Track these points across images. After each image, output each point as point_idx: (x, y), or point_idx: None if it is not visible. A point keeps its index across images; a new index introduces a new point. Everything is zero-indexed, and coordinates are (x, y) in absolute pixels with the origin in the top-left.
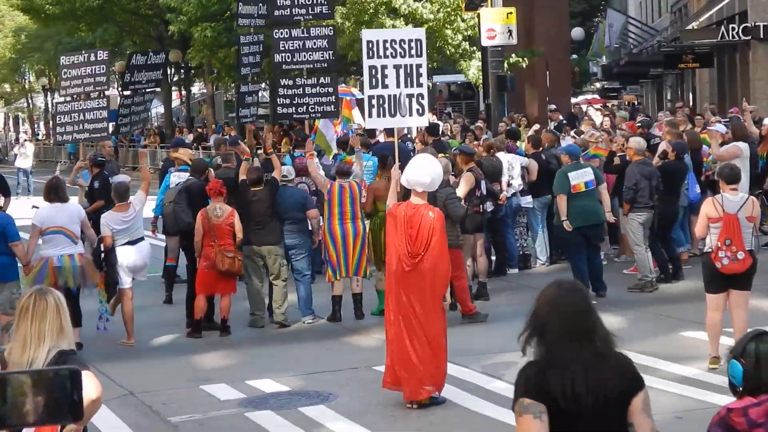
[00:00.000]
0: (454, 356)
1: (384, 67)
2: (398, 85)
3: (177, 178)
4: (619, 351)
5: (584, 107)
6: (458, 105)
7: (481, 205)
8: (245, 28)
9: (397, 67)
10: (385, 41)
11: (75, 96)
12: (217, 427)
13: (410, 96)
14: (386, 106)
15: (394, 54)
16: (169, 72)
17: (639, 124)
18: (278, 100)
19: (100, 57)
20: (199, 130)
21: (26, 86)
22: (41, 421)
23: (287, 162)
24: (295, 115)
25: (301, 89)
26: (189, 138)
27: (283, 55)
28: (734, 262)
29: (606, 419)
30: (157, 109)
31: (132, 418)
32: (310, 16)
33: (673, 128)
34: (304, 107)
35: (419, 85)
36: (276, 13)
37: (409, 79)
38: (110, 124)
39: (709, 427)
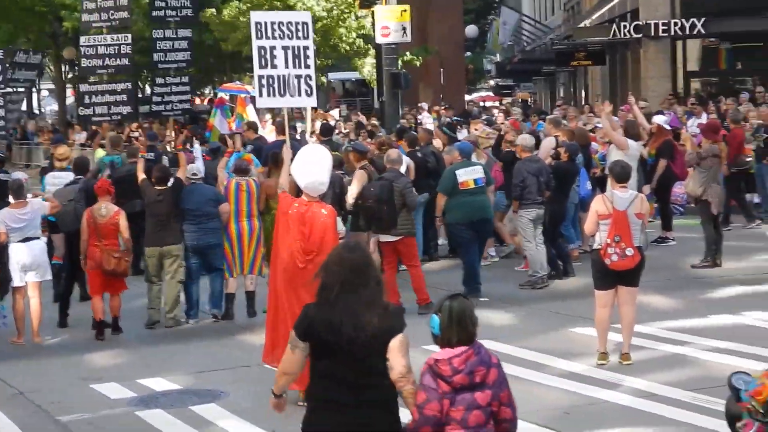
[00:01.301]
0: None
1: (273, 48)
2: (287, 66)
3: (53, 179)
4: (389, 302)
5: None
6: (353, 102)
7: None
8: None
9: (285, 48)
10: (272, 23)
11: None
12: (107, 426)
13: (299, 77)
14: (275, 86)
15: (282, 36)
16: (63, 69)
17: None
18: (153, 98)
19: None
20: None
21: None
22: None
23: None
24: (163, 113)
25: (168, 88)
26: (83, 135)
27: (158, 54)
28: (623, 258)
29: (366, 353)
30: (51, 106)
31: (21, 419)
32: (179, 18)
33: (555, 126)
34: (170, 105)
35: (307, 66)
36: (153, 13)
37: (297, 60)
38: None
39: (421, 375)
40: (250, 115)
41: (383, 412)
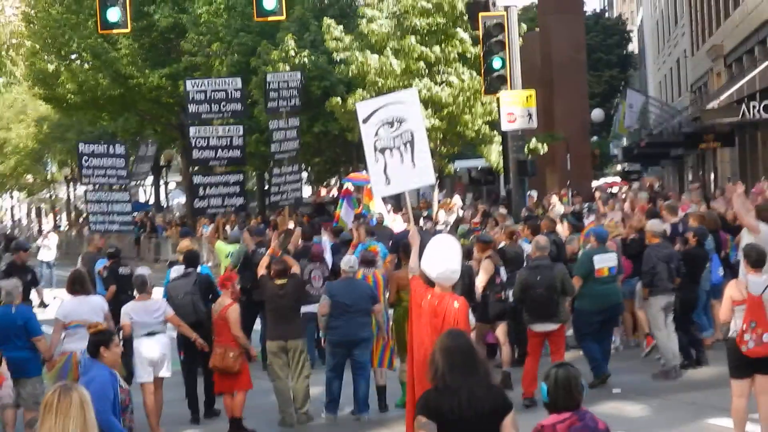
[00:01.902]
0: None
1: (380, 134)
2: (399, 150)
3: (176, 272)
4: (494, 383)
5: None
6: (479, 190)
7: (502, 292)
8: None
9: (394, 133)
10: (377, 109)
11: (98, 186)
12: None
13: (412, 158)
14: (389, 173)
15: (390, 121)
16: None
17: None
18: (272, 188)
19: (119, 151)
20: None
21: (48, 177)
22: None
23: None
24: (280, 202)
25: (283, 177)
26: (210, 227)
27: (274, 144)
28: (760, 345)
29: (482, 429)
30: (178, 199)
31: None
32: (288, 108)
33: (671, 212)
34: (285, 194)
35: (420, 145)
36: (268, 105)
37: (409, 143)
38: (133, 216)
39: None
40: (377, 206)
41: None
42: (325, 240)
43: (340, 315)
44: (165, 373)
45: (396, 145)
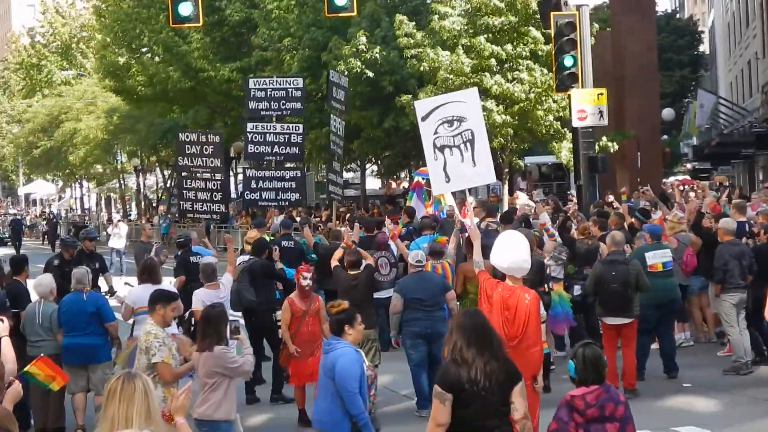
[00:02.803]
0: None
1: (439, 133)
2: (458, 148)
3: (240, 261)
4: (506, 355)
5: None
6: (549, 186)
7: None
8: (335, 109)
9: (452, 132)
10: (435, 108)
11: (193, 173)
12: None
13: (471, 156)
14: (449, 170)
15: (448, 121)
16: None
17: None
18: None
19: (212, 139)
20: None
21: (118, 167)
22: None
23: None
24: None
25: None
26: (280, 218)
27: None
28: None
29: (495, 398)
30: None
31: None
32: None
33: (739, 211)
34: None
35: (480, 143)
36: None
37: (469, 142)
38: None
39: (558, 409)
40: (448, 199)
41: None
42: (388, 228)
43: (416, 309)
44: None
45: (456, 144)
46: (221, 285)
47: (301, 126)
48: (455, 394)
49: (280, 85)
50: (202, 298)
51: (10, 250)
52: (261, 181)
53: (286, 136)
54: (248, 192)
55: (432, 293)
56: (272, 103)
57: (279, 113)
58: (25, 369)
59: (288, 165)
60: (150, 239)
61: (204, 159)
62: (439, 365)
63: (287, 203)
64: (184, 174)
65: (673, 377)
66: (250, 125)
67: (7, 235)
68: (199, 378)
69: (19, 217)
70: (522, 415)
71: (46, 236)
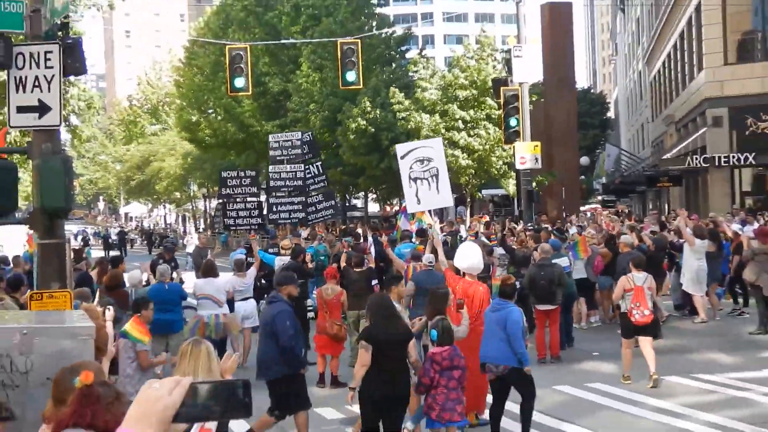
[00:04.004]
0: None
1: (414, 169)
2: (427, 180)
3: (280, 261)
4: (403, 322)
5: (588, 214)
6: (499, 212)
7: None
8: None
9: (424, 168)
10: (412, 149)
11: (234, 198)
12: None
13: (437, 186)
14: (419, 196)
15: (420, 160)
16: None
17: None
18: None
19: (249, 174)
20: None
21: (191, 194)
22: (222, 417)
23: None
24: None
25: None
26: (305, 232)
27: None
28: (642, 317)
29: (398, 350)
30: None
31: None
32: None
33: (632, 229)
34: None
35: (442, 177)
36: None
37: (435, 177)
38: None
39: (424, 361)
40: (427, 218)
41: (406, 379)
42: (370, 240)
43: (425, 296)
44: (252, 323)
45: (425, 177)
46: (247, 275)
47: (302, 166)
48: (373, 345)
49: (287, 138)
50: (234, 284)
51: (117, 253)
52: (279, 206)
53: (293, 173)
54: (271, 213)
55: (435, 285)
56: (283, 150)
57: (287, 158)
58: (123, 328)
59: (295, 193)
60: (205, 245)
61: (243, 188)
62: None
63: (297, 220)
64: (226, 200)
65: (570, 347)
66: (271, 167)
67: (117, 241)
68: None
69: (125, 229)
70: (414, 359)
71: (145, 243)
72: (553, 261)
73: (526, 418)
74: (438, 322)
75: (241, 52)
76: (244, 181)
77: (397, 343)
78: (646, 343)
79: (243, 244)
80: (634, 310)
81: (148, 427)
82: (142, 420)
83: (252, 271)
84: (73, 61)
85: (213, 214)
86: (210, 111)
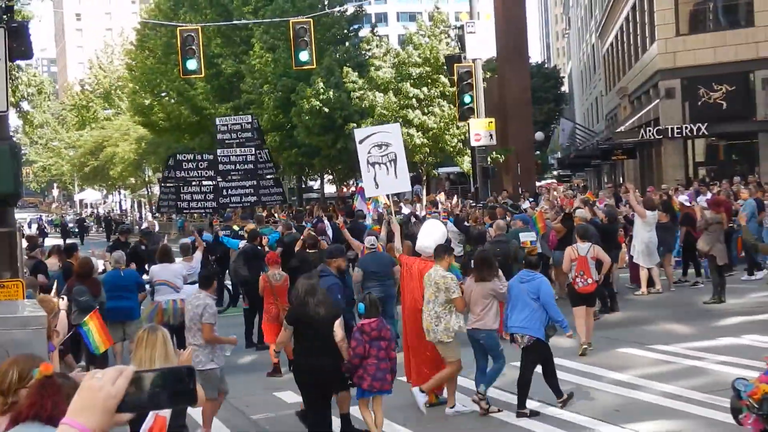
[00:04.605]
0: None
1: (372, 153)
2: (386, 164)
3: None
4: (328, 302)
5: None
6: (455, 188)
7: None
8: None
9: (382, 153)
10: (370, 134)
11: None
12: (288, 421)
13: (395, 171)
14: (378, 180)
15: (379, 145)
16: None
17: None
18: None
19: (207, 157)
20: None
21: (146, 179)
22: (168, 405)
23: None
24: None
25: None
26: (264, 214)
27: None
28: (585, 285)
29: (325, 327)
30: None
31: (225, 417)
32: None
33: (584, 204)
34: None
35: (400, 161)
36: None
37: (393, 161)
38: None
39: (353, 332)
40: (382, 199)
41: (333, 357)
42: (327, 223)
43: (372, 280)
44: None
45: (383, 162)
46: (193, 259)
47: (253, 149)
48: (295, 325)
49: (236, 121)
50: (178, 268)
51: (76, 240)
52: (229, 190)
53: (244, 157)
54: (221, 197)
55: (383, 267)
56: (232, 134)
57: (237, 141)
58: (84, 320)
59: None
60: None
61: (199, 171)
62: (390, 319)
63: (248, 204)
64: (181, 183)
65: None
66: (219, 151)
67: (76, 230)
68: (474, 300)
69: (83, 217)
70: (339, 337)
71: (103, 230)
72: (522, 235)
73: (554, 384)
74: (365, 296)
75: (193, 34)
76: (201, 165)
77: (320, 322)
78: (588, 311)
79: (192, 230)
80: (578, 279)
81: (91, 416)
82: (85, 410)
83: (198, 255)
84: (19, 45)
85: (159, 197)
86: (163, 94)
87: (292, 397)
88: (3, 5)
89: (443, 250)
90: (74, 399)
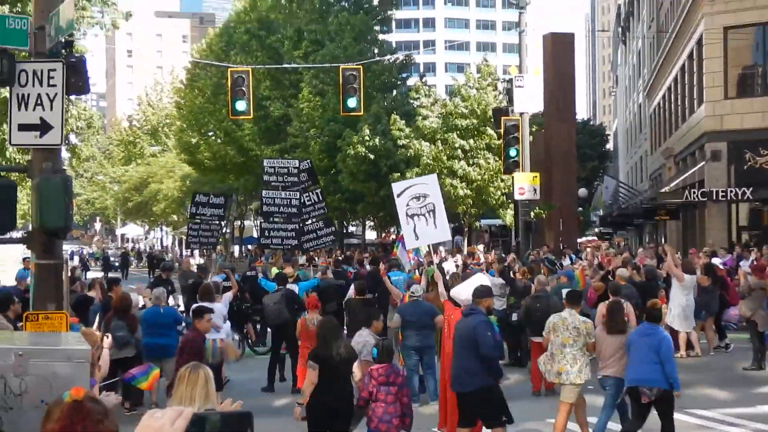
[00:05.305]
0: None
1: (411, 205)
2: (424, 215)
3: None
4: (348, 344)
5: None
6: (496, 241)
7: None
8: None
9: (420, 204)
10: (408, 187)
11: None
12: None
13: (434, 222)
14: (418, 231)
15: (417, 196)
16: None
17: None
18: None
19: (219, 201)
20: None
21: (188, 217)
22: None
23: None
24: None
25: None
26: (302, 259)
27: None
28: None
29: (345, 369)
30: None
31: None
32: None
33: (627, 263)
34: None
35: (439, 212)
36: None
37: (432, 212)
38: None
39: (363, 375)
40: (423, 248)
41: (349, 400)
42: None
43: (410, 329)
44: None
45: (422, 213)
46: (223, 298)
47: (298, 193)
48: (321, 364)
49: (284, 164)
50: (220, 307)
51: (118, 274)
52: (272, 231)
53: (288, 200)
54: (263, 238)
55: (422, 317)
56: (279, 177)
57: (283, 184)
58: (139, 379)
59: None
60: (189, 269)
61: (210, 209)
62: (429, 370)
63: (289, 247)
64: (198, 220)
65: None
66: (264, 192)
67: (117, 264)
68: (606, 348)
69: (126, 251)
70: (358, 378)
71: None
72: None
73: None
74: (380, 342)
75: (243, 75)
76: (213, 202)
77: (342, 362)
78: None
79: (225, 270)
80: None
81: None
82: None
83: (228, 296)
84: (77, 80)
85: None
86: (210, 133)
87: None
88: (63, 40)
89: (576, 296)
90: None
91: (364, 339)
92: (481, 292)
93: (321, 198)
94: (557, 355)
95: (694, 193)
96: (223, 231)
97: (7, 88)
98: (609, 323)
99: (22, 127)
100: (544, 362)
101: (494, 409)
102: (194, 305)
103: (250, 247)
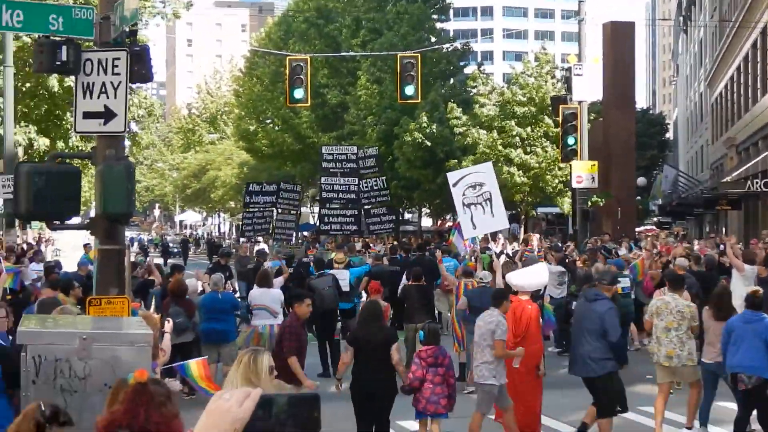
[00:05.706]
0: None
1: (467, 194)
2: (480, 204)
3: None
4: (387, 325)
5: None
6: (553, 229)
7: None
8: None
9: (476, 193)
10: (463, 176)
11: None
12: None
13: (491, 210)
14: (475, 221)
15: (473, 185)
16: None
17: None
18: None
19: (270, 188)
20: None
21: (242, 206)
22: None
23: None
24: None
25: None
26: (360, 244)
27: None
28: None
29: (382, 351)
30: None
31: None
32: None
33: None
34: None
35: (496, 200)
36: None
37: (489, 200)
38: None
39: (413, 357)
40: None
41: (390, 378)
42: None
43: (475, 312)
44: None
45: (478, 202)
46: (274, 283)
47: (357, 179)
48: (355, 347)
49: (342, 151)
50: (277, 294)
51: (178, 261)
52: (331, 217)
53: (347, 186)
54: (322, 225)
55: (489, 303)
56: (337, 163)
57: (342, 170)
58: (187, 363)
59: (349, 206)
60: (246, 254)
61: (263, 197)
62: None
63: (348, 233)
64: (251, 208)
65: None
66: (323, 179)
67: (176, 250)
68: (714, 335)
69: (186, 237)
70: (396, 360)
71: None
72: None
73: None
74: (425, 324)
75: (302, 63)
76: (266, 190)
77: (379, 345)
78: None
79: (280, 256)
80: None
81: None
82: (211, 431)
83: (278, 280)
84: (140, 69)
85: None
86: (268, 121)
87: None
88: (127, 29)
89: (679, 280)
90: (201, 419)
91: (495, 319)
92: (611, 279)
93: (386, 185)
94: (662, 338)
95: (756, 182)
96: (297, 218)
97: (74, 77)
98: (714, 310)
99: (87, 115)
100: (650, 346)
101: (613, 397)
102: (296, 290)
103: (305, 233)
